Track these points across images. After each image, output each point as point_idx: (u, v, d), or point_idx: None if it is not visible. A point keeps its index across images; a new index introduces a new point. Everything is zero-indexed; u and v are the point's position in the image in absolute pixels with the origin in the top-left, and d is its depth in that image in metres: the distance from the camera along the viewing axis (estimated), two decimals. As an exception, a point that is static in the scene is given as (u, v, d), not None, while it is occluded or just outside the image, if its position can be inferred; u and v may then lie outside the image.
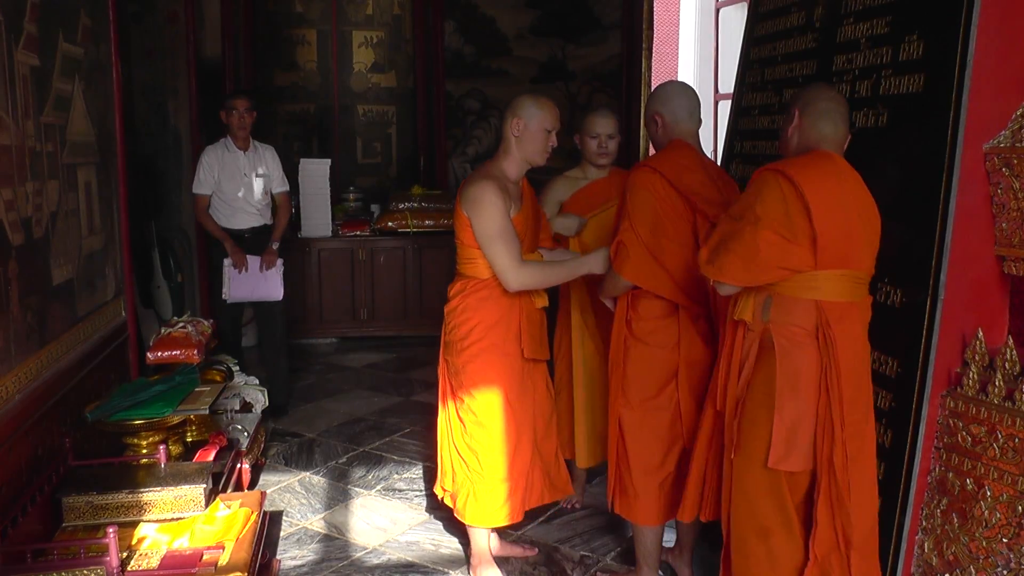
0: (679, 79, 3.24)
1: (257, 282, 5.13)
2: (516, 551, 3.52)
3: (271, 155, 5.30)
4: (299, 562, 3.43)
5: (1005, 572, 2.38)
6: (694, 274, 2.79)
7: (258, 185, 5.21)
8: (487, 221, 3.00)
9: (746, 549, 2.50)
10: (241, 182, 5.15)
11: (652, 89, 4.05)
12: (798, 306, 2.38)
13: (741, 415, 2.50)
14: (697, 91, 3.13)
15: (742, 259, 2.37)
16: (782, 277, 2.38)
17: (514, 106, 3.13)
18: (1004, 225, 2.57)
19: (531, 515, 3.79)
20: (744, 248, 2.35)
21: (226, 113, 5.12)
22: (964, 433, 2.51)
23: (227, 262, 5.07)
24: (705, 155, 3.04)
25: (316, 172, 6.73)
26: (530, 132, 3.09)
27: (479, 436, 3.17)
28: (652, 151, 3.43)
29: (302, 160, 6.88)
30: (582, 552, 3.53)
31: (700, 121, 3.05)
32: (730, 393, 2.55)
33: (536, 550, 3.55)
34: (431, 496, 3.85)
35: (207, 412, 3.21)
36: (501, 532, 3.60)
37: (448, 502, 3.34)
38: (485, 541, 3.33)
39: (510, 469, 3.18)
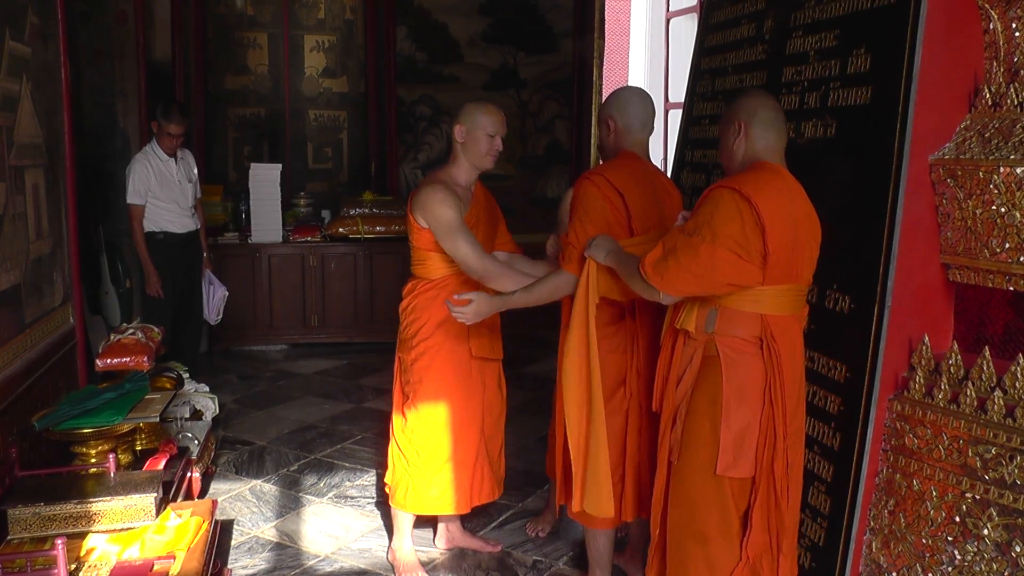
0: (634, 87, 3.26)
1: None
2: (478, 544, 3.59)
3: (194, 161, 5.56)
4: (251, 571, 3.40)
5: (950, 569, 2.45)
6: None
7: (190, 191, 5.44)
8: (441, 217, 3.04)
9: (683, 553, 2.54)
10: (177, 188, 5.32)
11: (603, 97, 4.11)
12: (743, 319, 2.41)
13: (684, 423, 2.53)
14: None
15: (694, 275, 2.37)
16: (729, 292, 2.41)
17: (459, 113, 3.19)
18: (949, 234, 2.64)
19: (484, 519, 3.81)
20: (698, 265, 2.36)
21: (158, 126, 5.22)
22: (911, 435, 2.58)
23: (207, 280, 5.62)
24: (653, 166, 3.08)
25: (267, 177, 6.69)
26: (473, 138, 3.14)
27: (419, 431, 3.24)
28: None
29: (253, 165, 6.84)
30: (535, 557, 3.54)
31: (652, 131, 3.09)
32: (667, 399, 2.59)
33: (500, 546, 3.59)
34: (383, 503, 3.84)
35: (157, 420, 3.15)
36: (465, 527, 3.65)
37: (388, 492, 3.40)
38: (411, 547, 3.43)
39: (449, 462, 3.25)
